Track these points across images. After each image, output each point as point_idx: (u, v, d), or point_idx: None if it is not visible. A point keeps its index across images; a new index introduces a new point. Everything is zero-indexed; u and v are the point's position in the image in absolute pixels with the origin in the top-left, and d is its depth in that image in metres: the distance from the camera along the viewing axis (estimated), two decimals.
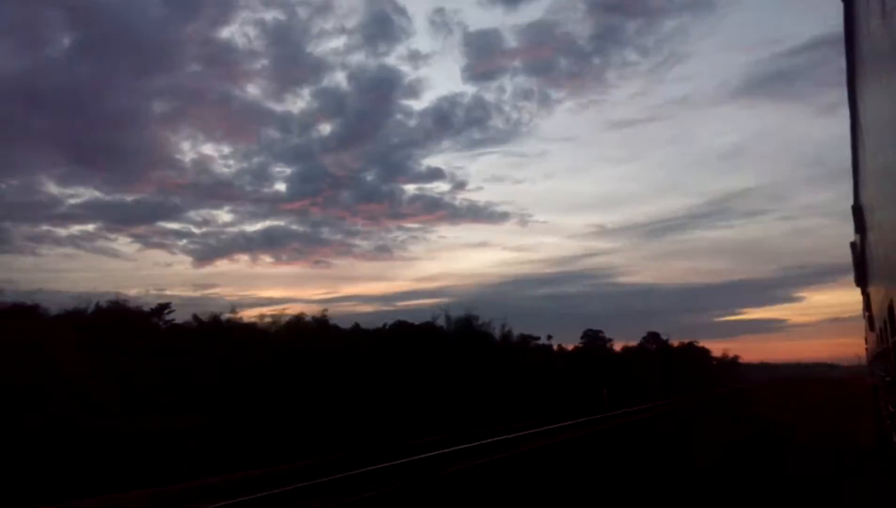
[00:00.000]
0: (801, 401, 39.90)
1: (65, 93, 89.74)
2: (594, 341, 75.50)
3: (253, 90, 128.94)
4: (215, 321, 30.33)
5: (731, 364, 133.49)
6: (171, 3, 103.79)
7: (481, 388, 35.78)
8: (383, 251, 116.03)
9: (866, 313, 15.90)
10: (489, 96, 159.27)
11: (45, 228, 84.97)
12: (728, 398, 51.96)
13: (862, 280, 13.86)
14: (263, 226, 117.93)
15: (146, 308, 30.36)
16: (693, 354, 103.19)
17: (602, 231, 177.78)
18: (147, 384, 20.63)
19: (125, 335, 23.87)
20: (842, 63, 7.76)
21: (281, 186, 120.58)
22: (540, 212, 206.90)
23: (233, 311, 31.81)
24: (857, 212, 10.44)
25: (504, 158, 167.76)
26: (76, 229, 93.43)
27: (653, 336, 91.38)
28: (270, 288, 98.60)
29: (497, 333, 45.97)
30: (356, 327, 41.32)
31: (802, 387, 68.70)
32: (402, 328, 42.15)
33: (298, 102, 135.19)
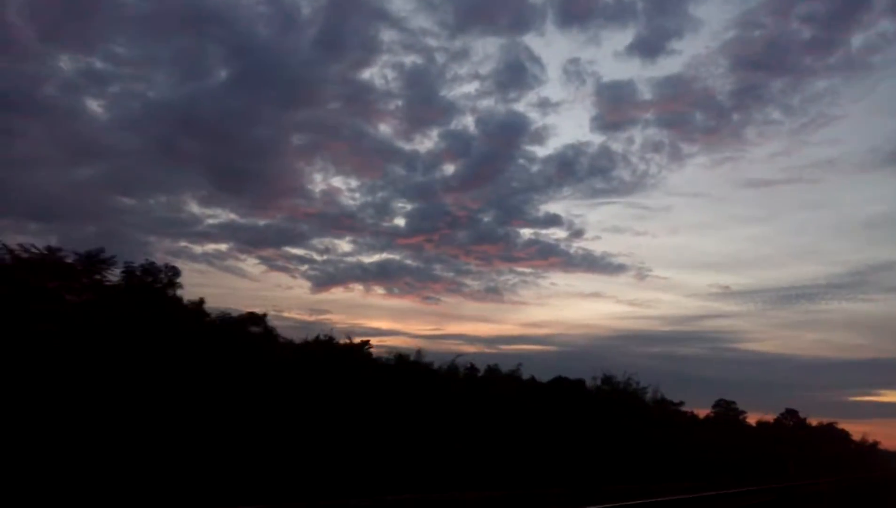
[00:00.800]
0: None
1: (216, 121, 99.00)
2: (727, 411, 74.64)
3: (385, 129, 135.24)
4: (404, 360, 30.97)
5: (870, 449, 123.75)
6: (320, 44, 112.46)
7: (627, 447, 38.87)
8: (493, 293, 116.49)
9: None
10: (616, 146, 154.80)
11: (183, 244, 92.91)
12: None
13: None
14: (380, 258, 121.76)
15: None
16: (832, 435, 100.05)
17: (727, 293, 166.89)
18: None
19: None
20: None
21: (400, 221, 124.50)
22: (659, 267, 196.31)
23: (348, 338, 31.36)
24: None
25: (626, 208, 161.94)
26: (211, 247, 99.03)
27: (790, 413, 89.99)
28: (378, 319, 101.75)
29: (648, 398, 50.20)
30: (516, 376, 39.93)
31: None
32: (559, 381, 43.67)
33: (426, 142, 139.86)
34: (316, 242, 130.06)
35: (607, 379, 45.71)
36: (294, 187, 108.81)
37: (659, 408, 51.94)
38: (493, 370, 38.44)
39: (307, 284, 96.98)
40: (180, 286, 23.23)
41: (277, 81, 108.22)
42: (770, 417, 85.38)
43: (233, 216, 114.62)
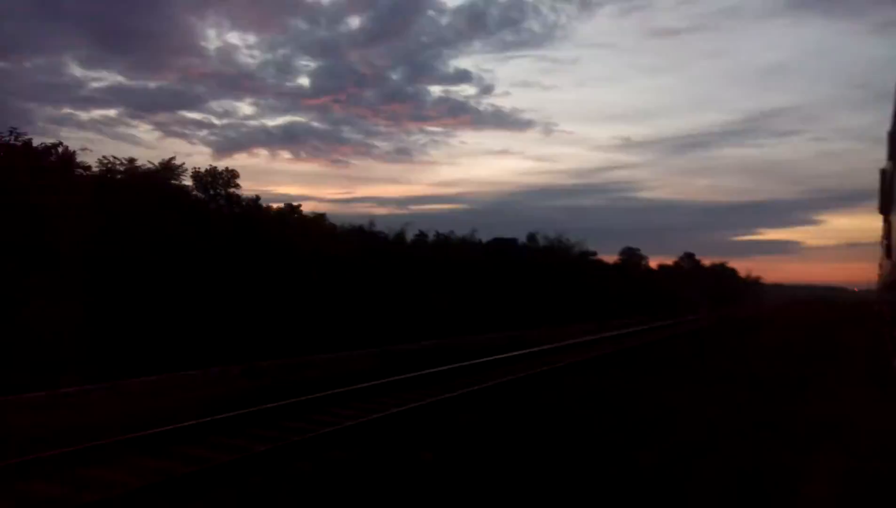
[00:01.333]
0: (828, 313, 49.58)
1: None
2: (631, 257, 79.95)
3: None
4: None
5: (754, 284, 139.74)
6: None
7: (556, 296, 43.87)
8: (403, 154, 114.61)
9: (884, 241, 15.95)
10: None
11: (66, 110, 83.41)
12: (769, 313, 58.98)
13: (886, 208, 13.81)
14: (284, 121, 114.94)
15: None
16: (724, 273, 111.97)
17: (628, 144, 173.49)
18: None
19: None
20: None
21: (305, 81, 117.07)
22: (566, 121, 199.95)
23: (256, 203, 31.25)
24: (894, 138, 10.29)
25: (536, 62, 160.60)
26: (98, 113, 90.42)
27: (688, 255, 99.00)
28: (288, 185, 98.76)
29: (576, 251, 56.85)
30: (451, 239, 44.33)
31: (824, 305, 75.37)
32: (497, 243, 49.63)
33: None
34: (214, 105, 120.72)
35: (532, 236, 52.27)
36: (186, 45, 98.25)
37: (581, 260, 58.20)
38: (443, 236, 42.56)
39: (207, 150, 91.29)
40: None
41: None
42: (670, 260, 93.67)
43: (120, 79, 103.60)
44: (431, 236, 42.30)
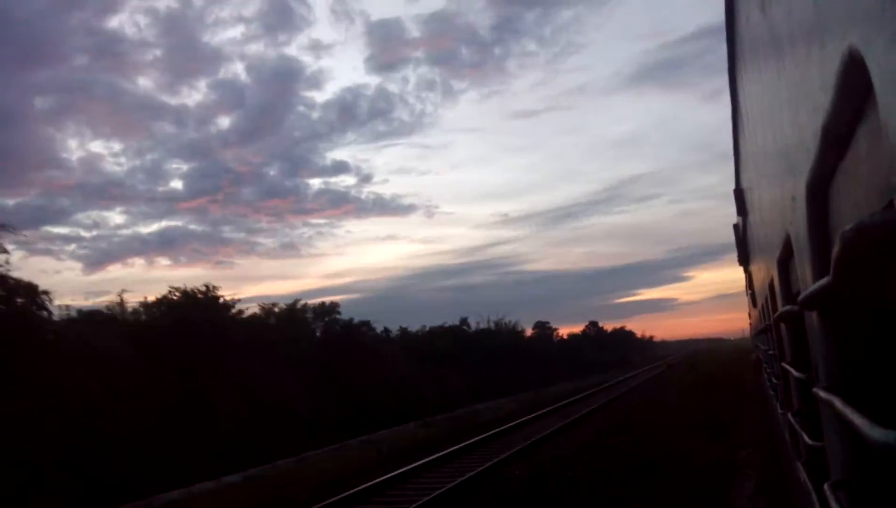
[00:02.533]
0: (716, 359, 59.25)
1: None
2: (544, 329, 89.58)
3: (145, 82, 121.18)
4: None
5: (649, 342, 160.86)
6: None
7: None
8: (289, 248, 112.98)
9: (749, 291, 17.12)
10: (393, 87, 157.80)
11: None
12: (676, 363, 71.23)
13: (744, 260, 14.82)
14: (159, 227, 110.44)
15: None
16: (624, 336, 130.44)
17: (506, 220, 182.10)
18: None
19: None
20: (724, 51, 8.16)
21: (177, 184, 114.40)
22: (446, 203, 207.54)
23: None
24: (739, 195, 11.07)
25: (409, 149, 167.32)
26: None
27: (592, 324, 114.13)
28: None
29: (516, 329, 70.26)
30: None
31: (710, 354, 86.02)
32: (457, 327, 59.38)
33: (194, 95, 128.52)
34: (81, 216, 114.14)
35: (464, 320, 62.27)
36: (46, 158, 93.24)
37: (518, 337, 69.59)
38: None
39: (78, 265, 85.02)
40: None
41: (8, 36, 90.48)
42: (577, 328, 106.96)
43: None
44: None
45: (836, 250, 1.16)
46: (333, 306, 42.57)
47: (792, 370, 3.58)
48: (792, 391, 4.39)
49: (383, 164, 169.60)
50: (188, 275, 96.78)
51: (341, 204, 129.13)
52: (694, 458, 12.00)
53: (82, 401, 19.76)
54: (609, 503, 8.97)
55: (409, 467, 14.79)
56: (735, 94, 8.38)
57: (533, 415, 25.17)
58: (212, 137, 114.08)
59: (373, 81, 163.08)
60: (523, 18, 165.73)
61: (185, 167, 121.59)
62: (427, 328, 56.22)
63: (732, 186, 12.17)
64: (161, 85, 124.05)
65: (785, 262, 3.43)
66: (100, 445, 18.72)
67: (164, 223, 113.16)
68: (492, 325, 64.11)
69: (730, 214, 14.35)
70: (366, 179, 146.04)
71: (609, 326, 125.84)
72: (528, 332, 79.95)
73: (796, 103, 1.87)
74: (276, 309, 38.63)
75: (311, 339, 38.62)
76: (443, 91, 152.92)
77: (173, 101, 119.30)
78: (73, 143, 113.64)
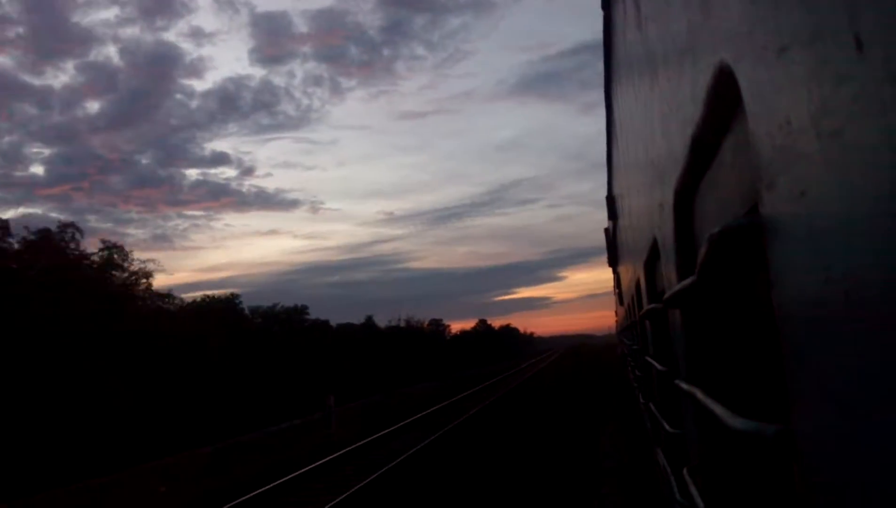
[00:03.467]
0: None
1: None
2: (438, 326, 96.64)
3: (5, 60, 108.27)
4: None
5: (530, 338, 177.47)
6: None
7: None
8: (161, 240, 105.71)
9: (616, 290, 18.29)
10: (279, 80, 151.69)
11: None
12: (561, 354, 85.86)
13: (613, 261, 15.79)
14: (17, 213, 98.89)
15: None
16: (510, 332, 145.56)
17: (392, 218, 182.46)
18: None
19: None
20: (601, 67, 8.65)
21: (38, 169, 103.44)
22: (332, 199, 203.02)
23: None
24: (611, 201, 11.78)
25: (295, 144, 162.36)
26: None
27: (482, 321, 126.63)
28: None
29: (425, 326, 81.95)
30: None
31: (587, 347, 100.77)
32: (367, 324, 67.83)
33: (61, 76, 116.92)
34: None
35: (370, 318, 71.83)
36: None
37: (426, 333, 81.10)
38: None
39: None
40: None
41: None
42: (468, 325, 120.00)
43: None
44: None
45: (702, 251, 1.25)
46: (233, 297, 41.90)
47: (655, 364, 3.85)
48: (654, 382, 4.72)
49: (267, 157, 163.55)
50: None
51: (220, 196, 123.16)
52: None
53: None
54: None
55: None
56: (610, 106, 8.91)
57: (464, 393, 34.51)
58: (79, 121, 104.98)
59: (257, 73, 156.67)
60: (412, 22, 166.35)
61: (47, 151, 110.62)
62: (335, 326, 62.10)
63: (605, 192, 12.96)
64: (23, 63, 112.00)
65: (651, 263, 3.67)
66: None
67: (21, 210, 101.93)
68: (402, 323, 75.82)
69: (602, 219, 15.28)
70: (248, 171, 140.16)
71: (496, 323, 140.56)
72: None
73: (668, 116, 2.00)
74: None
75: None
76: (331, 88, 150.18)
77: (37, 81, 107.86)
78: None
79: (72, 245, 27.52)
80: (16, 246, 25.12)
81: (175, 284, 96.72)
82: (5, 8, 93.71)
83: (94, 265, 28.62)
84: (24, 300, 20.89)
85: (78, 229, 27.59)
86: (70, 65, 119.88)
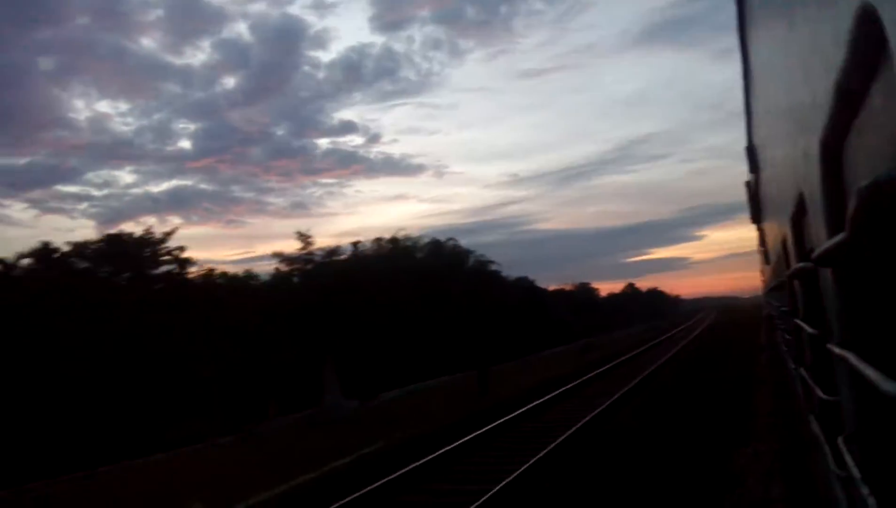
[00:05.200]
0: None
1: None
2: (586, 289, 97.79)
3: (149, 43, 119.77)
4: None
5: (677, 300, 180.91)
6: None
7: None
8: (299, 208, 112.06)
9: (761, 248, 17.03)
10: (399, 47, 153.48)
11: None
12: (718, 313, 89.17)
13: (756, 217, 14.71)
14: (170, 186, 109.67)
15: None
16: (657, 295, 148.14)
17: (516, 180, 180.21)
18: None
19: None
20: (733, 9, 7.99)
21: (186, 144, 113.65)
22: (455, 163, 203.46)
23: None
24: (751, 152, 10.94)
25: (417, 109, 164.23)
26: None
27: (630, 285, 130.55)
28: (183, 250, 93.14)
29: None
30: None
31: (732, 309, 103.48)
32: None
33: (199, 55, 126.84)
34: (91, 176, 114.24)
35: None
36: (53, 117, 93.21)
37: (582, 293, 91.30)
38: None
39: (90, 223, 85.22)
40: None
41: None
42: (618, 289, 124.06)
43: None
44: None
45: (851, 206, 1.17)
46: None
47: (805, 327, 3.60)
48: (805, 346, 4.41)
49: (391, 124, 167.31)
50: (201, 233, 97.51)
51: (350, 164, 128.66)
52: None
53: None
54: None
55: None
56: (746, 51, 8.23)
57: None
58: (218, 96, 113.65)
59: (378, 40, 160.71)
60: None
61: (192, 127, 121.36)
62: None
63: (744, 143, 12.04)
64: (165, 45, 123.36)
65: (798, 219, 3.42)
66: None
67: (174, 182, 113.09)
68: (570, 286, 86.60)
69: (742, 172, 14.22)
70: (374, 138, 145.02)
71: (643, 285, 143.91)
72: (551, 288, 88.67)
73: (809, 60, 1.85)
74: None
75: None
76: (449, 50, 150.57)
77: (178, 61, 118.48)
78: (79, 103, 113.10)
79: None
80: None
81: (312, 249, 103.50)
82: None
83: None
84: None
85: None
86: (206, 43, 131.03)
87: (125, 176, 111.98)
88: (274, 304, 31.41)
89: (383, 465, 10.37)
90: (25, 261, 26.86)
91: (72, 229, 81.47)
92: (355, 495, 8.63)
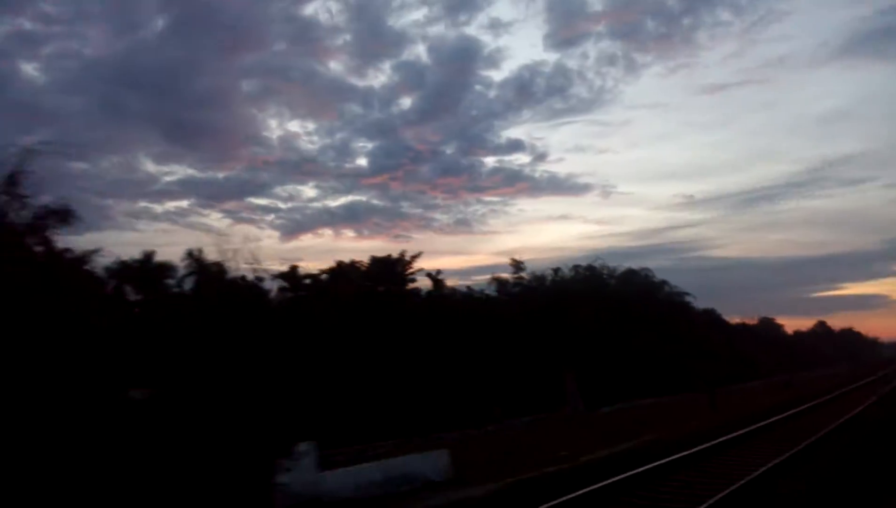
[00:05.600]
0: None
1: (159, 73, 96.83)
2: (770, 324, 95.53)
3: (336, 66, 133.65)
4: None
5: (874, 343, 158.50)
6: None
7: None
8: (462, 225, 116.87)
9: None
10: (572, 63, 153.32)
11: (142, 204, 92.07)
12: None
13: None
14: (346, 200, 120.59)
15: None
16: (851, 335, 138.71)
17: (691, 202, 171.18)
18: None
19: None
20: None
21: (363, 161, 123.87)
22: (624, 183, 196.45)
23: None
24: None
25: (587, 126, 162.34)
26: (171, 205, 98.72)
27: (821, 323, 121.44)
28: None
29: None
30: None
31: None
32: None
33: (380, 77, 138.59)
34: (279, 190, 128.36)
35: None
36: (250, 136, 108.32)
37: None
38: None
39: (275, 233, 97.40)
40: None
41: (218, 26, 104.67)
42: (805, 327, 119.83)
43: (191, 171, 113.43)
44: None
45: None
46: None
47: None
48: None
49: (558, 142, 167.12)
50: (370, 246, 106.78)
51: (515, 182, 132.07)
52: None
53: None
54: None
55: None
56: None
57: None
58: (394, 116, 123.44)
59: (550, 57, 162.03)
60: None
61: (369, 145, 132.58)
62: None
63: None
64: (350, 68, 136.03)
65: None
66: None
67: (350, 198, 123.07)
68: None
69: None
70: (540, 157, 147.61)
71: (835, 324, 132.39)
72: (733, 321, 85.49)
73: None
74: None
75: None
76: (625, 66, 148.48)
77: (361, 83, 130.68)
78: (273, 122, 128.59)
79: None
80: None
81: (475, 266, 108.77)
82: (336, 19, 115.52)
83: None
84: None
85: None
86: (387, 65, 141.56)
87: (308, 190, 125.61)
88: (502, 319, 37.15)
89: (655, 453, 14.73)
90: (324, 276, 35.29)
91: (260, 238, 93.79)
92: (657, 463, 13.31)
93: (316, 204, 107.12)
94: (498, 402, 27.79)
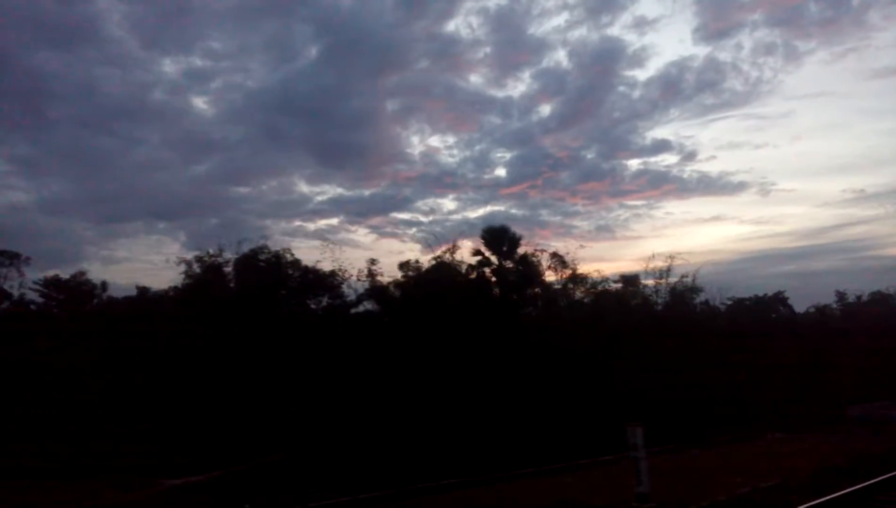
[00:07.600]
0: None
1: (312, 99, 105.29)
2: None
3: (476, 79, 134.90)
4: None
5: None
6: (403, 4, 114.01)
7: None
8: (604, 231, 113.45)
9: None
10: (724, 56, 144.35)
11: (297, 223, 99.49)
12: None
13: None
14: (485, 211, 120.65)
15: None
16: None
17: (862, 197, 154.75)
18: None
19: None
20: None
21: (501, 172, 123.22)
22: (784, 179, 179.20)
23: None
24: None
25: (741, 121, 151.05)
26: (323, 222, 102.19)
27: None
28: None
29: None
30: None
31: None
32: None
33: (519, 86, 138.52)
34: (420, 204, 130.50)
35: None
36: (394, 153, 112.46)
37: None
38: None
39: (417, 246, 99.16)
40: None
41: (365, 50, 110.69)
42: None
43: (339, 190, 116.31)
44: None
45: None
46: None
47: None
48: None
49: (709, 140, 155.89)
50: None
51: (661, 184, 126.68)
52: None
53: None
54: None
55: None
56: None
57: None
58: (533, 124, 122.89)
59: (700, 51, 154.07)
60: None
61: (508, 155, 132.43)
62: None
63: None
64: (489, 80, 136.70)
65: None
66: None
67: (488, 208, 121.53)
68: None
69: None
70: (689, 156, 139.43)
71: None
72: None
73: None
74: None
75: None
76: (784, 54, 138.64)
77: (500, 93, 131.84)
78: (415, 139, 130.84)
79: None
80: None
81: (619, 273, 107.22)
82: (476, 32, 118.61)
83: None
84: None
85: None
86: (526, 74, 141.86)
87: (448, 203, 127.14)
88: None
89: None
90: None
91: (401, 251, 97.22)
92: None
93: (455, 216, 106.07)
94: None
